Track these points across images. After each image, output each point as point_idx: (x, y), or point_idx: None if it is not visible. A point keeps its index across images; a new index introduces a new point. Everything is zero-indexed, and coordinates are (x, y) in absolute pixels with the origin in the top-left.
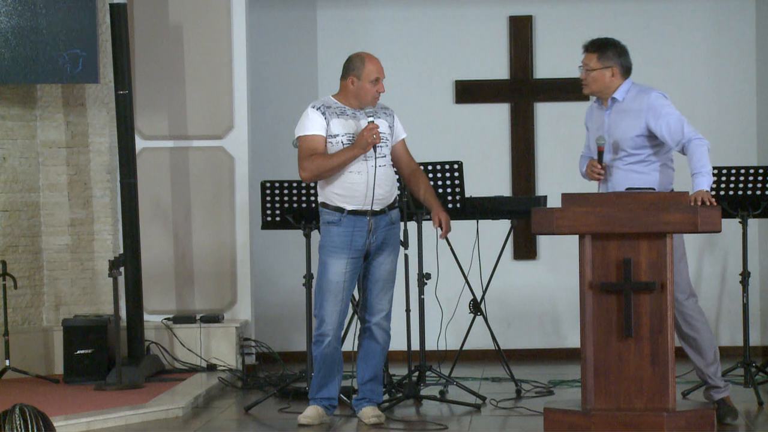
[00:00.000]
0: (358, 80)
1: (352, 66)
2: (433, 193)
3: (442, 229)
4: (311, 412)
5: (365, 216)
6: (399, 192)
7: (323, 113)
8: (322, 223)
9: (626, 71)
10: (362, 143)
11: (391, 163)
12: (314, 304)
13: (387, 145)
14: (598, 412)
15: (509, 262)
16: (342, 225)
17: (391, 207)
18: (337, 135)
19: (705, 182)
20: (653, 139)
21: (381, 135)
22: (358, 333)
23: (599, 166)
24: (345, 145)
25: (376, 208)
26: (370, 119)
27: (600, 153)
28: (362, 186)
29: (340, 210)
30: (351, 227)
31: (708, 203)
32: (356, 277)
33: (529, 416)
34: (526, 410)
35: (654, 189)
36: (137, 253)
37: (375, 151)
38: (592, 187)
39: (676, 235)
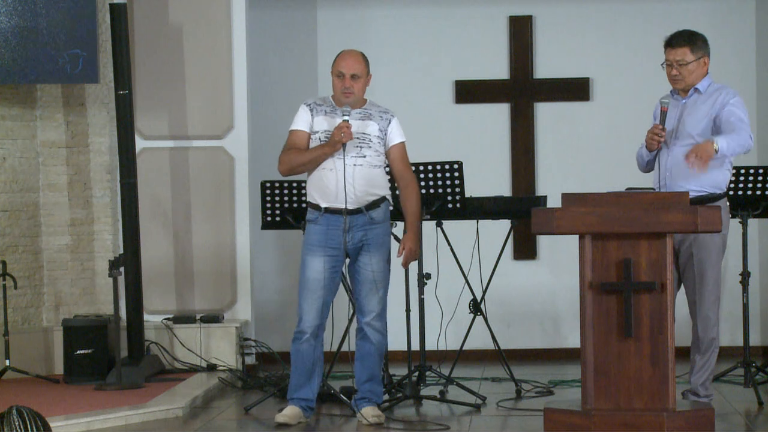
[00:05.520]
0: (331, 75)
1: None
2: (417, 216)
3: (404, 257)
4: (289, 412)
5: (341, 214)
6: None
7: (312, 110)
8: (305, 220)
9: (709, 58)
10: (331, 141)
11: (378, 165)
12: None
13: (370, 147)
14: (598, 412)
15: (509, 262)
16: (319, 223)
17: (370, 207)
18: (317, 132)
19: (722, 141)
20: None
21: (362, 136)
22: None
23: (660, 127)
24: (322, 142)
25: (350, 206)
26: (345, 118)
27: (663, 114)
28: (332, 183)
29: (318, 208)
30: (327, 225)
31: (698, 156)
32: (338, 275)
33: (529, 416)
34: (526, 410)
35: (654, 189)
36: (137, 253)
37: (344, 149)
38: (591, 187)
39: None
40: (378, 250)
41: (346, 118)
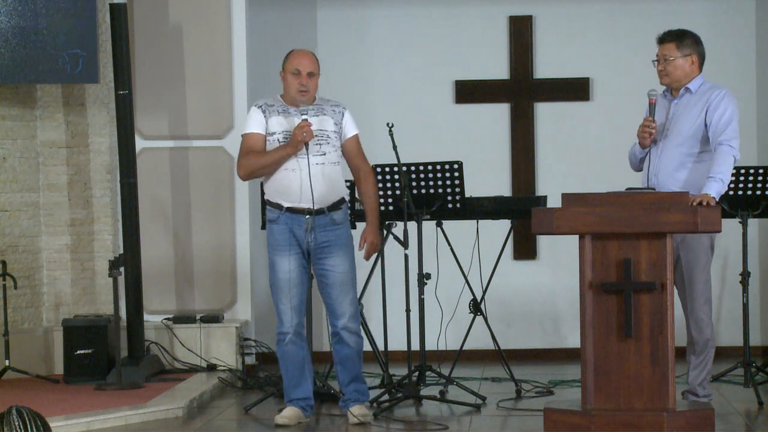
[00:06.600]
0: (284, 72)
1: (283, 61)
2: (375, 209)
3: (365, 250)
4: (288, 413)
5: (303, 214)
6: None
7: (264, 111)
8: (266, 221)
9: (703, 60)
10: (293, 141)
11: (337, 161)
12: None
13: (328, 143)
14: (598, 412)
15: (509, 262)
16: (280, 223)
17: (332, 208)
18: (274, 133)
19: (714, 188)
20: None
21: (320, 132)
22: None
23: (650, 119)
24: (281, 143)
25: (315, 206)
26: (304, 117)
27: (652, 106)
28: (296, 183)
29: (279, 207)
30: (288, 224)
31: (704, 205)
32: (307, 273)
33: (529, 416)
34: (526, 410)
35: (654, 189)
36: (137, 253)
37: (307, 148)
38: (592, 187)
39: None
40: (343, 251)
41: (305, 116)
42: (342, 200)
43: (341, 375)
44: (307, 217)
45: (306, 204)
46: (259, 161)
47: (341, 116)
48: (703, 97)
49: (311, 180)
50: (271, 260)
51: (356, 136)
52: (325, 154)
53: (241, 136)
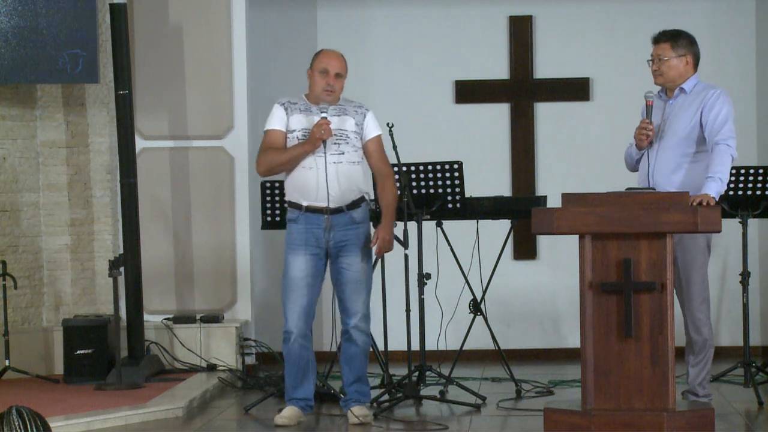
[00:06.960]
0: (311, 71)
1: (312, 60)
2: (391, 208)
3: (377, 246)
4: (288, 413)
5: (322, 213)
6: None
7: (286, 109)
8: (286, 220)
9: (697, 61)
10: (311, 139)
11: (356, 161)
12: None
13: (347, 143)
14: (598, 412)
15: (509, 262)
16: (299, 222)
17: (351, 207)
18: (294, 130)
19: (713, 188)
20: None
21: (340, 132)
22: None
23: (647, 121)
24: (300, 140)
25: (332, 205)
26: (324, 115)
27: (648, 108)
28: (313, 181)
29: (299, 207)
30: (307, 224)
31: (704, 205)
32: (320, 275)
33: (529, 416)
34: (526, 410)
35: (654, 189)
36: (137, 253)
37: (324, 147)
38: (591, 187)
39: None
40: (360, 251)
41: (325, 114)
42: (362, 199)
43: (346, 374)
44: (326, 216)
45: (322, 202)
46: (277, 158)
47: (363, 117)
48: (698, 98)
49: (327, 178)
50: (286, 259)
51: (378, 138)
52: (343, 153)
53: (263, 132)
